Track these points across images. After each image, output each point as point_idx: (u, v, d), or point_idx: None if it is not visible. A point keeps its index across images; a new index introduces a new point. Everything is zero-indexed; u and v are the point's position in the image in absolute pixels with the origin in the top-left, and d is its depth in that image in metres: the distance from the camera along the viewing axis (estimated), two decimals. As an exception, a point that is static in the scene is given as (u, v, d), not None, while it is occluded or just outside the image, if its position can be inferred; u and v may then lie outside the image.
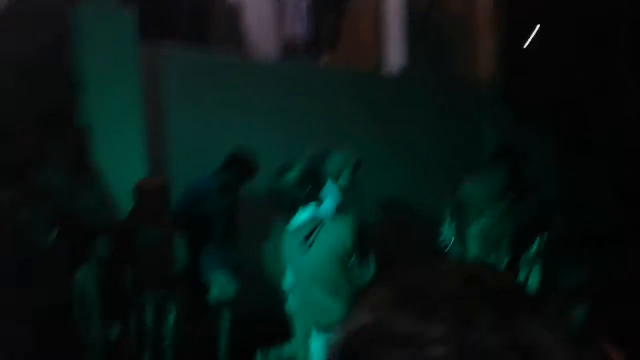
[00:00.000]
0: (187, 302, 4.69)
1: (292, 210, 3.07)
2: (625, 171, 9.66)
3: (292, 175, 3.07)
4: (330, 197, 3.08)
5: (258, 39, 6.99)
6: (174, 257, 4.14)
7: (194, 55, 5.12)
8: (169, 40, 4.98)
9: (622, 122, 9.49)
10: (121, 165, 4.40)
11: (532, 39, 8.44)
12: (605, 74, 9.43)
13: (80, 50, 4.46)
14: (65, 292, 3.76)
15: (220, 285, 4.21)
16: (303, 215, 3.05)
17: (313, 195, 3.02)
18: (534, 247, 3.96)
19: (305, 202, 3.03)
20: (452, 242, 4.11)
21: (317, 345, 3.00)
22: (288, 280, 3.20)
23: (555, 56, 8.31)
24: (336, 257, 2.95)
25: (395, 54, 6.67)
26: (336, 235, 2.95)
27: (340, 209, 3.12)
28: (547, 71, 8.16)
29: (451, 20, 7.19)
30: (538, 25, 8.18)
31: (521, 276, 3.87)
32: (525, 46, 8.14)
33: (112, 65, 4.42)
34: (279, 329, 3.49)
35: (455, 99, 7.11)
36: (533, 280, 3.77)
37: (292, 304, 3.24)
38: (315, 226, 2.97)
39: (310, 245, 2.94)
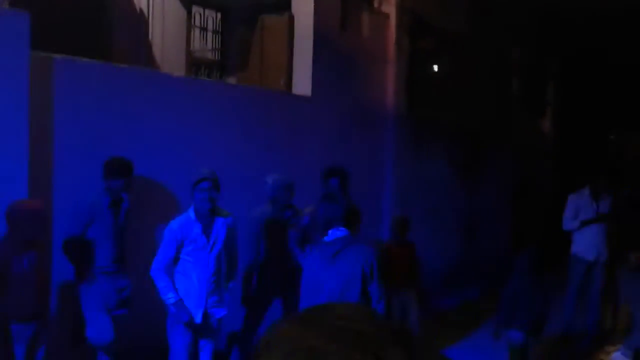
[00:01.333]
0: (63, 337, 4.38)
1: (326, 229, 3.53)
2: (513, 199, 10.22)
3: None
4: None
5: (163, 54, 6.78)
6: (49, 286, 3.86)
7: (89, 65, 4.82)
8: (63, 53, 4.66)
9: (510, 151, 10.12)
10: (1, 184, 4.01)
11: (434, 68, 8.81)
12: (499, 106, 10.05)
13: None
14: None
15: (98, 327, 3.90)
16: (334, 235, 3.50)
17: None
18: None
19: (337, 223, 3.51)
20: None
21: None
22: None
23: (456, 86, 8.70)
24: (357, 276, 3.39)
25: (304, 75, 6.68)
26: (361, 257, 3.41)
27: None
28: (447, 100, 8.52)
29: (360, 44, 7.33)
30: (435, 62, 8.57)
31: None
32: (428, 74, 8.47)
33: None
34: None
35: (359, 122, 7.24)
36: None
37: None
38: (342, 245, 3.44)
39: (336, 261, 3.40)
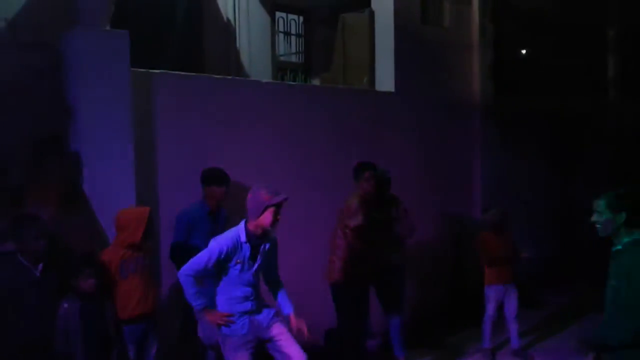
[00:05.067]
0: (174, 337, 4.60)
1: None
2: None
3: None
4: None
5: (251, 60, 7.04)
6: (158, 289, 4.07)
7: (187, 78, 5.12)
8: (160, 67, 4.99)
9: (608, 138, 9.58)
10: (111, 193, 4.35)
11: (522, 52, 8.53)
12: (595, 90, 9.55)
13: (72, 75, 4.47)
14: (49, 326, 3.66)
15: (207, 326, 3.95)
16: None
17: None
18: None
19: None
20: None
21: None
22: None
23: (546, 69, 8.38)
24: None
25: (386, 71, 6.72)
26: None
27: None
28: (537, 85, 8.23)
29: (442, 35, 7.26)
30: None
31: None
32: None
33: (103, 90, 4.41)
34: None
35: (445, 114, 7.19)
36: None
37: None
38: None
39: None
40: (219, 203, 4.69)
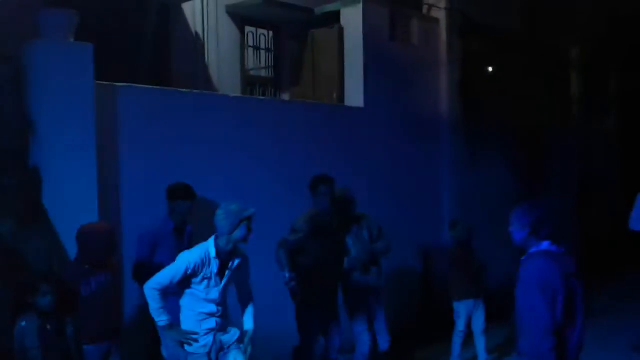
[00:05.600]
0: (137, 356, 4.50)
1: None
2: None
3: None
4: None
5: (220, 75, 7.00)
6: (120, 308, 3.96)
7: (153, 92, 5.06)
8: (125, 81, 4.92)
9: (572, 152, 9.80)
10: (73, 208, 4.25)
11: (489, 70, 8.69)
12: (559, 106, 9.79)
13: (34, 88, 4.38)
14: (5, 344, 3.55)
15: (168, 344, 3.89)
16: None
17: None
18: None
19: None
20: None
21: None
22: None
23: (513, 87, 8.54)
24: None
25: (355, 87, 6.77)
26: None
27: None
28: (503, 102, 8.38)
29: (410, 52, 7.35)
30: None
31: None
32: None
33: (66, 103, 4.33)
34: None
35: (414, 129, 7.25)
36: None
37: None
38: None
39: None
40: (185, 219, 4.62)
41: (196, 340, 3.76)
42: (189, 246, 4.35)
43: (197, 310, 3.79)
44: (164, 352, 4.11)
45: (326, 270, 4.83)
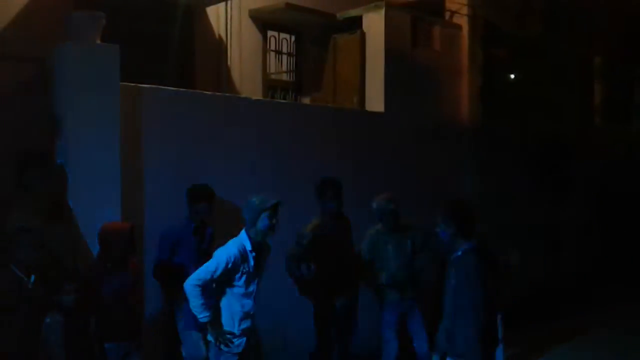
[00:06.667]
0: (157, 356, 4.54)
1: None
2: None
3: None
4: None
5: (242, 78, 7.06)
6: (142, 307, 3.98)
7: (177, 93, 5.12)
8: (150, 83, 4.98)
9: (594, 160, 9.70)
10: (97, 207, 4.30)
11: (510, 77, 8.65)
12: (581, 114, 9.69)
13: (61, 89, 4.46)
14: (34, 341, 3.60)
15: (191, 345, 3.96)
16: None
17: None
18: None
19: None
20: None
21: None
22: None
23: (534, 94, 8.50)
24: None
25: (376, 92, 6.78)
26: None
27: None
28: (524, 109, 8.34)
29: (432, 58, 7.34)
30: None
31: None
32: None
33: (91, 104, 4.40)
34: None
35: (434, 135, 7.24)
36: None
37: None
38: None
39: None
40: (205, 220, 4.66)
41: (232, 342, 3.78)
42: (210, 248, 4.38)
43: (236, 309, 3.79)
44: (184, 352, 4.14)
45: (335, 279, 4.81)
